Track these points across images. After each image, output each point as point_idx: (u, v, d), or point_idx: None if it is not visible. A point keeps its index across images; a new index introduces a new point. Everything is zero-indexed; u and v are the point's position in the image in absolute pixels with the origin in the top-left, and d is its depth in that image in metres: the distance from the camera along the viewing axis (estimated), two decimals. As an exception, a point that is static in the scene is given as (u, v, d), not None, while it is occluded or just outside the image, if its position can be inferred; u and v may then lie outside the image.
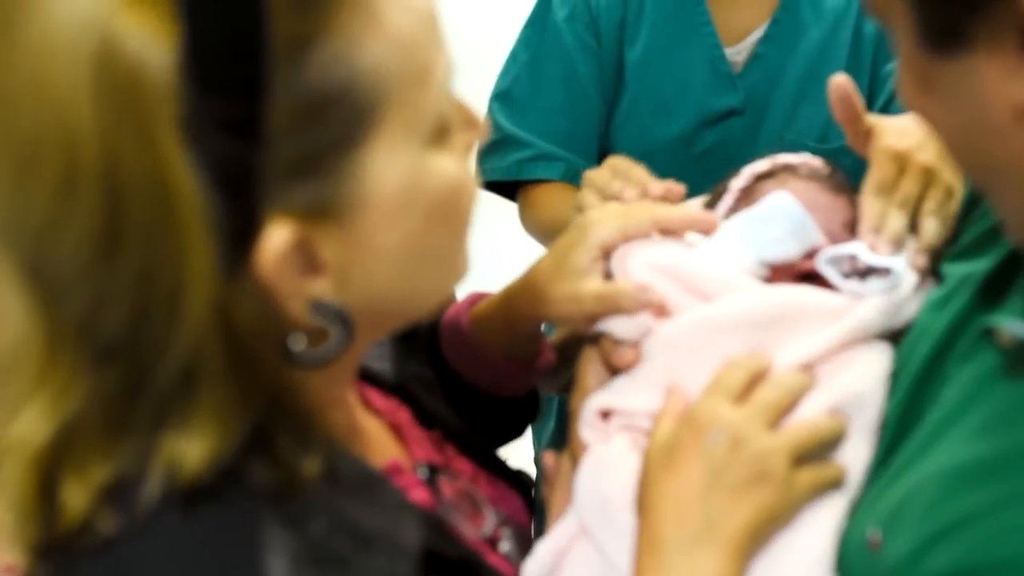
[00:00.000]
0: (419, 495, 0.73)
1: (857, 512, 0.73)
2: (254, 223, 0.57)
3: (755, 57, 1.50)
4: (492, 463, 0.92)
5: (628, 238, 0.86)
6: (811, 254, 0.86)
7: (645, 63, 1.49)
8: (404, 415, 0.83)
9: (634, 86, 1.50)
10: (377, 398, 0.83)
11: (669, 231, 0.86)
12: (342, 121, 0.59)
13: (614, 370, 0.85)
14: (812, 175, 0.95)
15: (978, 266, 0.78)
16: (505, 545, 0.81)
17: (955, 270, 0.82)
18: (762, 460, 0.71)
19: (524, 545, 0.86)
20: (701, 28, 1.48)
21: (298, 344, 0.62)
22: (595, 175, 1.03)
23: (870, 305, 0.80)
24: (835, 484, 0.74)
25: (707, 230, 0.87)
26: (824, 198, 0.93)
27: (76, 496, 0.56)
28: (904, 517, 0.66)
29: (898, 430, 0.76)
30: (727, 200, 0.96)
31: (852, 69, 1.49)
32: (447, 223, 0.66)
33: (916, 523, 0.65)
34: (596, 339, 0.87)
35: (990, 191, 0.69)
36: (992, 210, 0.75)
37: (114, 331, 0.56)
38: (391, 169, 0.61)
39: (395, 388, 0.85)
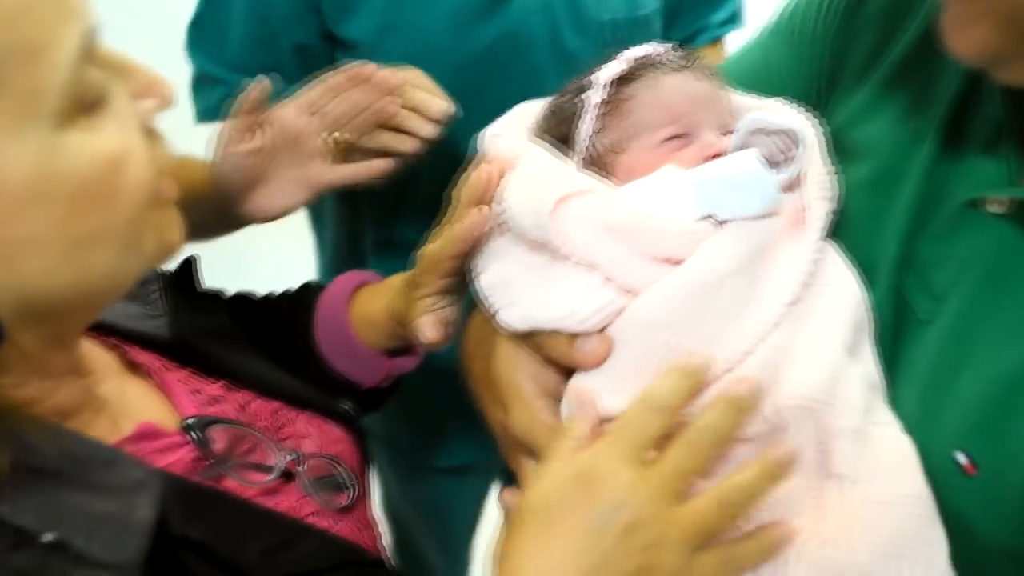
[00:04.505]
0: (177, 456, 0.71)
1: (923, 432, 0.67)
2: None
3: None
4: (310, 404, 0.89)
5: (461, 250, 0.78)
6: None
7: None
8: (179, 373, 0.81)
9: None
10: (148, 358, 0.80)
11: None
12: None
13: (568, 370, 0.73)
14: (680, 66, 0.82)
15: (898, 132, 0.74)
16: (302, 477, 0.79)
17: (866, 134, 0.78)
18: (656, 553, 0.61)
19: (330, 477, 0.84)
20: None
21: None
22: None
23: (816, 208, 0.73)
24: (760, 557, 0.64)
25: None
26: (705, 87, 0.82)
27: None
28: (1003, 435, 0.62)
29: (896, 327, 0.71)
30: (587, 120, 0.81)
31: None
32: (106, 203, 0.60)
33: None
34: (527, 338, 0.74)
35: None
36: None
37: None
38: (9, 158, 0.56)
39: (171, 345, 0.82)
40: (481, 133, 0.84)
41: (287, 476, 0.78)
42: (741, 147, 0.77)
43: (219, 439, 0.75)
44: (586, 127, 0.81)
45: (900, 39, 0.78)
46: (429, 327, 0.85)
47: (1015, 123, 0.69)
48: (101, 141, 0.60)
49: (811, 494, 0.67)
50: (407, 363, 1.00)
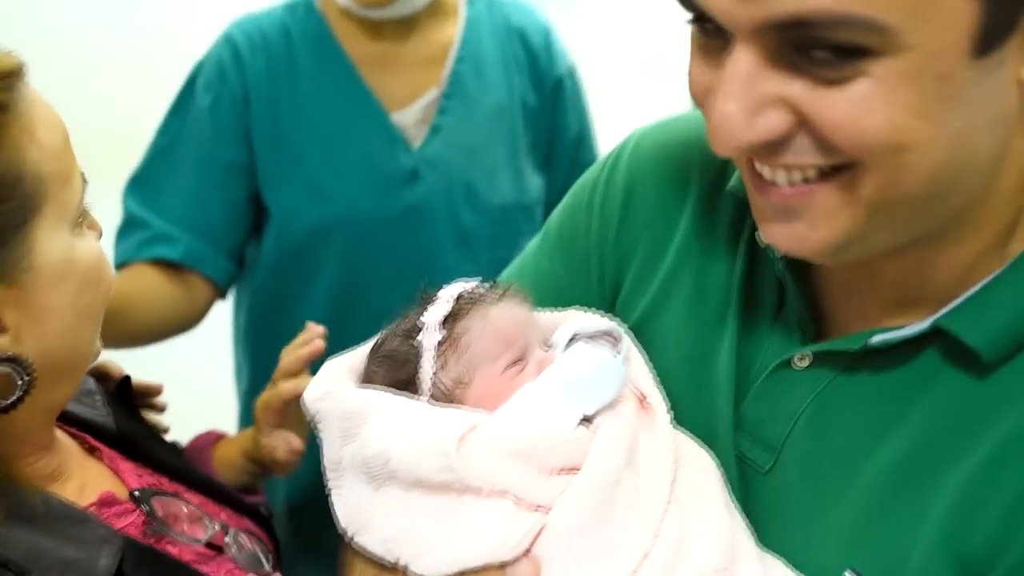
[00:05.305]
0: (130, 520, 0.86)
1: (809, 564, 0.74)
2: None
3: (433, 130, 1.57)
4: (227, 501, 1.05)
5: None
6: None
7: (317, 139, 1.53)
8: (125, 463, 0.96)
9: (309, 162, 1.52)
10: (101, 446, 0.96)
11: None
12: (16, 207, 0.77)
13: None
14: (498, 296, 0.88)
15: (697, 316, 0.84)
16: (232, 548, 0.94)
17: (665, 325, 0.87)
18: None
19: (253, 553, 0.99)
20: (362, 98, 1.55)
21: None
22: None
23: (654, 394, 0.82)
24: None
25: None
26: (524, 311, 0.88)
27: None
28: (882, 544, 0.70)
29: (742, 482, 0.80)
30: (427, 360, 0.85)
31: (536, 126, 1.65)
32: (96, 288, 0.84)
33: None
34: None
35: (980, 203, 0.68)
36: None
37: None
38: (52, 245, 0.80)
39: (117, 439, 0.98)
40: (306, 394, 0.87)
41: (217, 549, 0.93)
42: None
43: (160, 508, 0.90)
44: (428, 367, 0.84)
45: (674, 237, 0.89)
46: (277, 451, 1.14)
47: (795, 286, 0.78)
48: (91, 243, 0.84)
49: None
50: (255, 500, 1.17)
